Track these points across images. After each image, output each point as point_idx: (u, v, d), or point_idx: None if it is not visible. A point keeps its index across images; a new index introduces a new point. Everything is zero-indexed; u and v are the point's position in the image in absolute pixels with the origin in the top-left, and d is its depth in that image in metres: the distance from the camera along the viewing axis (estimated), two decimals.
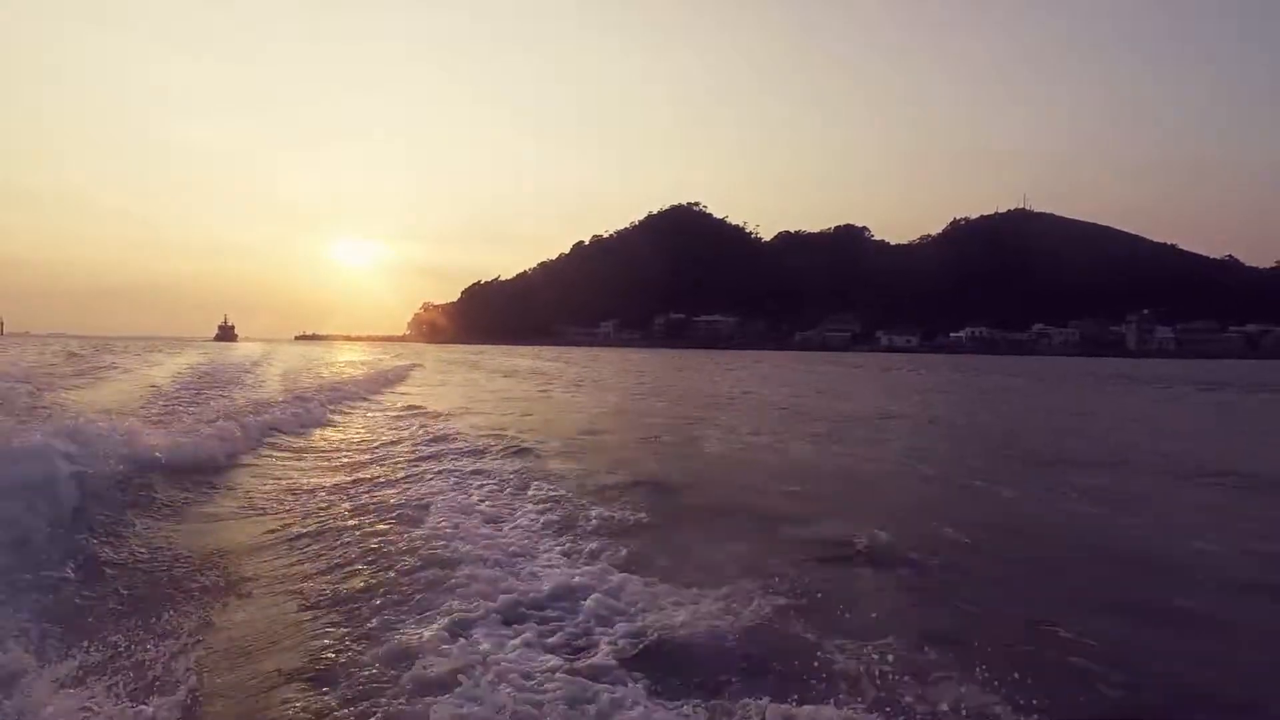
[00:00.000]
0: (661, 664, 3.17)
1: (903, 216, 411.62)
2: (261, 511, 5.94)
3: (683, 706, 2.82)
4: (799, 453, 9.76)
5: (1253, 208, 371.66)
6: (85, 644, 3.21)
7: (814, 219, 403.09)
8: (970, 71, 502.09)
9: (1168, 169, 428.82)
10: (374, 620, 3.50)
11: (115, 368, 23.55)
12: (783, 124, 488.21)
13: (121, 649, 3.20)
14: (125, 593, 3.95)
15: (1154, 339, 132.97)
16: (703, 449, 10.07)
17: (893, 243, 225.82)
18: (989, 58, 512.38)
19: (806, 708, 2.81)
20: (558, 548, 4.77)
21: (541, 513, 5.70)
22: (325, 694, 2.84)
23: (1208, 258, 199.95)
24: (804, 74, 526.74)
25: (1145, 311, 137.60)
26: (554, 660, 3.11)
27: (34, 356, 29.21)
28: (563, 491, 6.49)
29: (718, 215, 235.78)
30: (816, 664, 3.20)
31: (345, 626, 3.46)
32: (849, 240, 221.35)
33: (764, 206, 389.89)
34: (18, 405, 10.03)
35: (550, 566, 4.33)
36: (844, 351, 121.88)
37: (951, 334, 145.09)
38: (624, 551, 4.70)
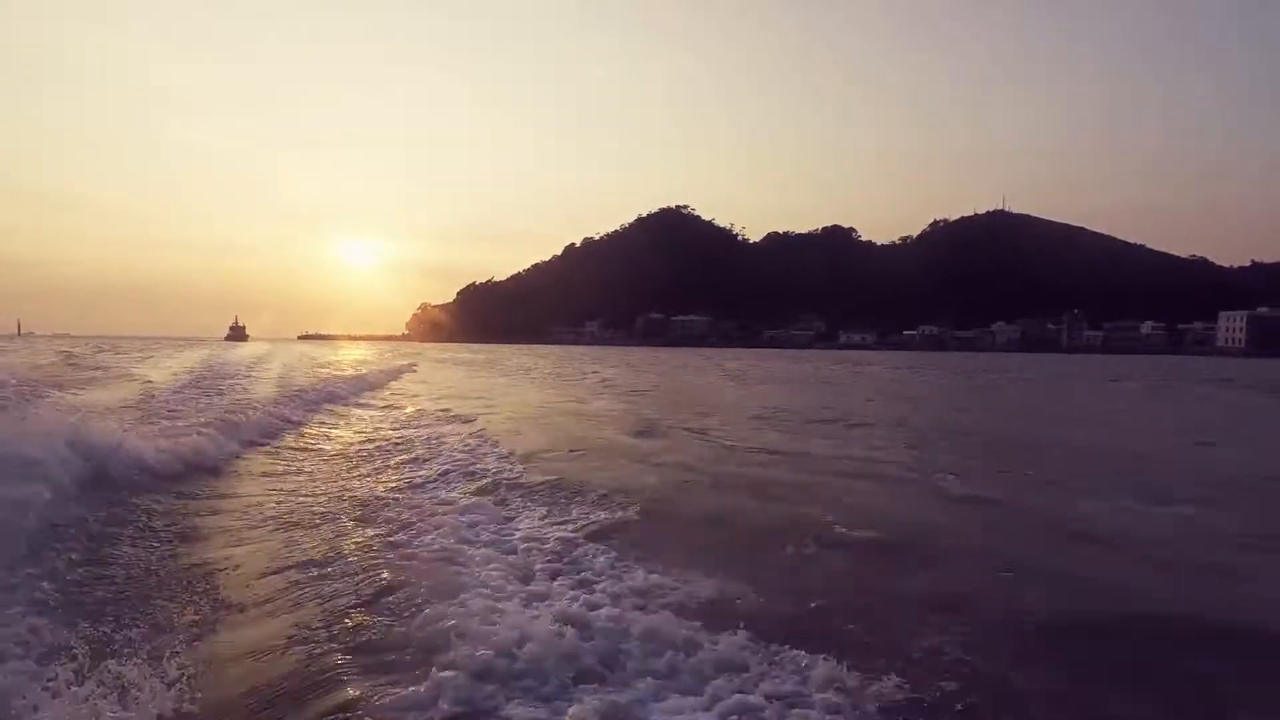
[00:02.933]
0: None
1: (900, 216, 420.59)
2: (257, 512, 5.98)
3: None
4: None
5: (1247, 209, 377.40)
6: (78, 648, 3.19)
7: (813, 219, 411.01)
8: (968, 71, 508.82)
9: (1158, 169, 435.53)
10: (368, 620, 3.57)
11: (111, 368, 24.22)
12: (785, 125, 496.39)
13: (113, 654, 3.16)
14: (117, 598, 3.92)
15: (1082, 336, 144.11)
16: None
17: (880, 243, 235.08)
18: (986, 58, 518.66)
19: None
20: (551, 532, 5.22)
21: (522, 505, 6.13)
22: (321, 697, 2.86)
23: (1177, 257, 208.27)
24: (805, 76, 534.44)
25: (1075, 311, 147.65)
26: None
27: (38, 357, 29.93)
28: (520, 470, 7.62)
29: (709, 217, 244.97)
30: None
31: (342, 626, 3.51)
32: (836, 241, 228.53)
33: (765, 206, 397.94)
34: (13, 406, 10.08)
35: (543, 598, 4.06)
36: (805, 349, 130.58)
37: (905, 332, 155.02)
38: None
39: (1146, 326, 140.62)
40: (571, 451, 9.53)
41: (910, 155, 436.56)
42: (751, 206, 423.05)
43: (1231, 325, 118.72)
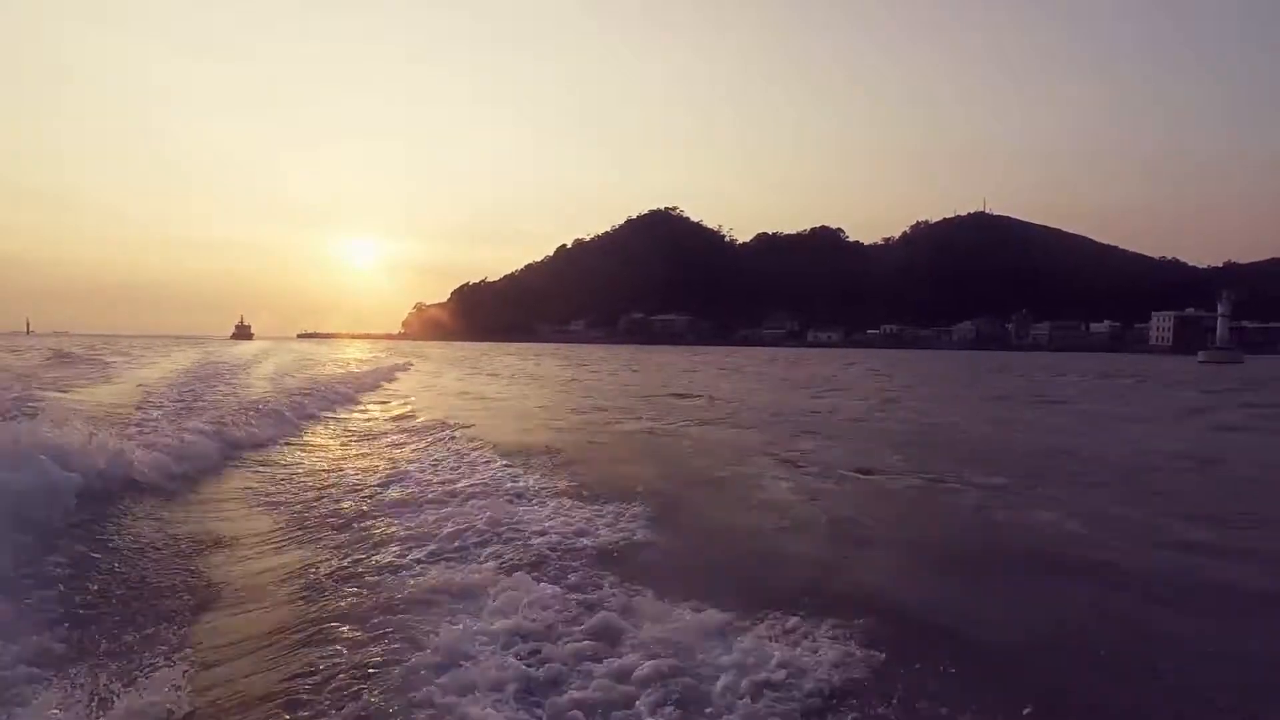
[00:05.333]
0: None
1: (896, 216, 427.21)
2: (254, 514, 6.01)
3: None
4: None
5: (1242, 210, 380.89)
6: (76, 657, 3.24)
7: (810, 218, 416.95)
8: (967, 73, 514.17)
9: (1148, 171, 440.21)
10: (363, 624, 3.59)
11: (114, 366, 24.87)
12: (783, 127, 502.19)
13: (111, 660, 3.23)
14: (114, 605, 3.95)
15: (1030, 334, 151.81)
16: None
17: (866, 243, 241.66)
18: (984, 56, 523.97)
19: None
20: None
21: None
22: (314, 701, 2.88)
23: (1150, 258, 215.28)
24: (805, 77, 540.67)
25: (1024, 310, 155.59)
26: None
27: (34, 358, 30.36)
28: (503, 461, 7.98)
29: (700, 218, 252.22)
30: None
31: (335, 629, 3.55)
32: (823, 241, 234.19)
33: (763, 205, 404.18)
34: (11, 408, 9.97)
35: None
36: (775, 347, 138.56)
37: (868, 330, 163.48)
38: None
39: (1104, 325, 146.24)
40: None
41: (907, 155, 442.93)
42: (748, 207, 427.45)
43: (1161, 325, 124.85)
